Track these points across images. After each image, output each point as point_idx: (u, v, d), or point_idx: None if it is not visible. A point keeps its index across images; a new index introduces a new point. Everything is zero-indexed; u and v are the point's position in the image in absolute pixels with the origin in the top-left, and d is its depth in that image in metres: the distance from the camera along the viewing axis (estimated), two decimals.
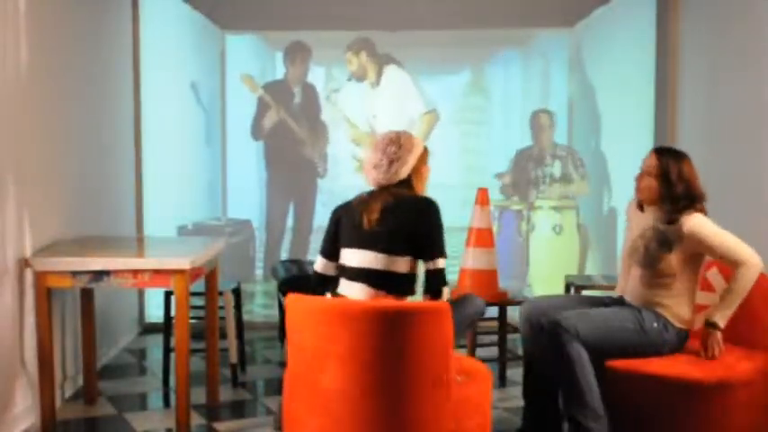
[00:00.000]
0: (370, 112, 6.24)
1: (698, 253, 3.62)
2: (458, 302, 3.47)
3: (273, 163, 6.25)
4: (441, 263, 3.36)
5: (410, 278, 3.40)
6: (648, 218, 3.74)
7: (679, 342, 3.67)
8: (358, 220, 3.38)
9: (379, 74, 6.20)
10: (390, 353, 3.06)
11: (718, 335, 3.57)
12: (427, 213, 3.38)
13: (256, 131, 6.22)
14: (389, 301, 3.25)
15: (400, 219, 3.35)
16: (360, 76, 6.20)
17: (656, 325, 3.61)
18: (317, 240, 6.21)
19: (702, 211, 3.66)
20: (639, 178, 3.76)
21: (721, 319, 3.56)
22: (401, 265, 3.35)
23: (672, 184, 3.64)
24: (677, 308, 3.64)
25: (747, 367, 3.56)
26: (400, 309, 3.09)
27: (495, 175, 6.19)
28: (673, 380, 3.46)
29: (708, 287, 3.87)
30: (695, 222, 3.59)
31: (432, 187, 6.21)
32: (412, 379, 3.07)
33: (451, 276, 5.50)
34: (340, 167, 6.26)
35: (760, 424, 3.61)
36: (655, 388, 3.48)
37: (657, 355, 3.61)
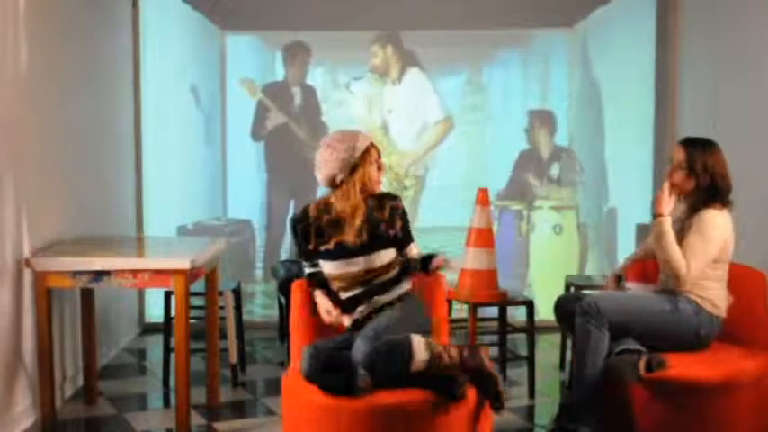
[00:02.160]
0: (385, 107, 6.23)
1: (723, 245, 3.63)
2: None
3: (274, 163, 6.25)
4: None
5: None
6: (679, 210, 3.78)
7: (713, 327, 3.67)
8: None
9: (402, 71, 6.19)
10: None
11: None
12: None
13: (256, 133, 6.22)
14: None
15: None
16: (382, 71, 6.18)
17: (689, 307, 3.63)
18: None
19: (727, 206, 3.67)
20: (671, 173, 3.76)
21: (665, 219, 3.62)
22: None
23: (698, 176, 3.66)
24: (706, 293, 3.65)
25: (752, 365, 3.56)
26: None
27: (497, 195, 6.16)
28: (678, 379, 3.46)
29: None
30: (706, 216, 3.61)
31: (434, 187, 6.26)
32: None
33: (451, 276, 5.52)
34: None
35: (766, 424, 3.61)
36: (661, 387, 3.49)
37: (696, 341, 3.64)
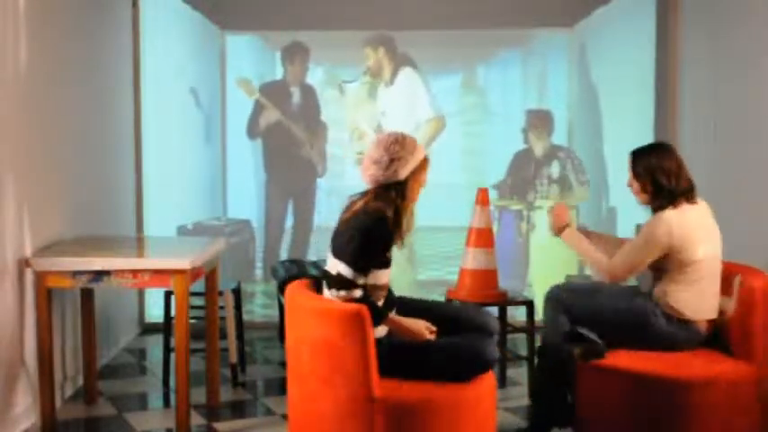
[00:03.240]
0: (379, 108, 6.23)
1: (669, 247, 3.61)
2: None
3: (272, 163, 6.25)
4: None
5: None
6: None
7: (689, 334, 3.64)
8: None
9: (395, 72, 6.18)
10: None
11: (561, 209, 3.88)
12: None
13: (252, 130, 6.21)
14: None
15: None
16: (375, 72, 6.18)
17: (657, 316, 3.63)
18: (316, 240, 6.24)
19: (680, 204, 3.65)
20: (630, 185, 3.82)
21: (569, 230, 3.85)
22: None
23: (645, 182, 3.70)
24: (672, 299, 3.63)
25: (721, 368, 3.54)
26: None
27: (493, 186, 6.15)
28: (614, 370, 3.54)
29: (727, 293, 3.77)
30: (647, 226, 3.65)
31: (435, 187, 6.23)
32: None
33: (451, 276, 5.53)
34: (339, 166, 6.26)
35: (748, 424, 3.61)
36: (627, 383, 3.53)
37: (671, 349, 3.63)
